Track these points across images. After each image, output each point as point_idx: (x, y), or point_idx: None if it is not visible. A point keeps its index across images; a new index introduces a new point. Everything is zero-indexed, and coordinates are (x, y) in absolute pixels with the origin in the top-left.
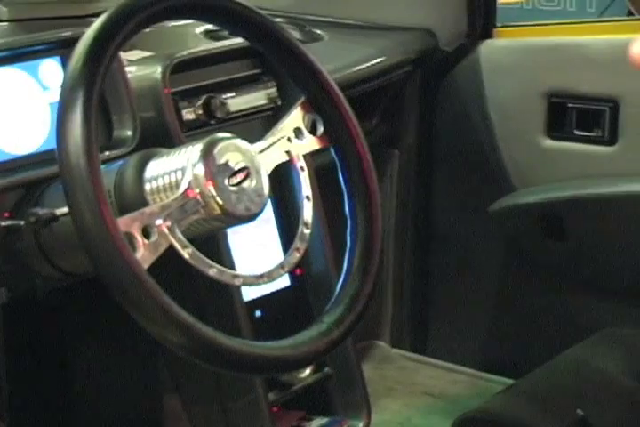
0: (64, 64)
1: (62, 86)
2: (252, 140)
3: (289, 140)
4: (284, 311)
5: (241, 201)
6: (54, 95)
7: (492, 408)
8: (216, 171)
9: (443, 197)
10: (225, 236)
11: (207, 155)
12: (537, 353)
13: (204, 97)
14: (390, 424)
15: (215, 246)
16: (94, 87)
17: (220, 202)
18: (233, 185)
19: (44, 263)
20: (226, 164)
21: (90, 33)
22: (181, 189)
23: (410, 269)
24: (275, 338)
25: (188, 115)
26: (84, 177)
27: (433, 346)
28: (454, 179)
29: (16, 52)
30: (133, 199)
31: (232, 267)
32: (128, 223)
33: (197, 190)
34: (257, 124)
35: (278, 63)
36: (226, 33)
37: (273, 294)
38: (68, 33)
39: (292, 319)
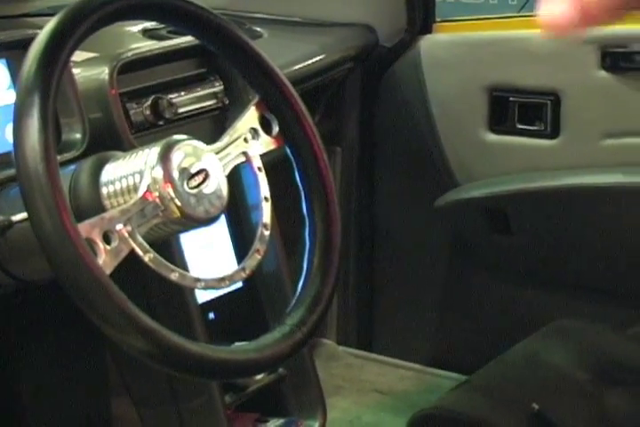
0: (10, 66)
1: (17, 90)
2: (201, 141)
3: (245, 140)
4: (237, 313)
5: (200, 204)
6: (1, 99)
7: (448, 405)
8: (174, 173)
9: (386, 193)
10: (177, 237)
11: (165, 157)
12: (485, 348)
13: (151, 98)
14: (341, 423)
15: (168, 249)
16: (50, 91)
17: (180, 205)
18: (192, 188)
19: None
20: (183, 166)
21: (43, 35)
22: (140, 193)
23: (355, 267)
24: (229, 340)
25: (137, 116)
26: (44, 183)
27: (380, 343)
28: (398, 175)
29: None
30: (90, 204)
31: (185, 269)
32: (88, 229)
33: (156, 194)
34: (205, 125)
35: (231, 62)
36: (164, 31)
37: (225, 295)
38: (14, 34)
39: (246, 321)
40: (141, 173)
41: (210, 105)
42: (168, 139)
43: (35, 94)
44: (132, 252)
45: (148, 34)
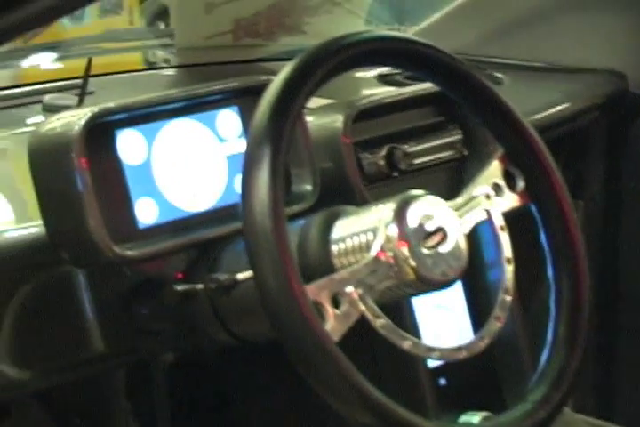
0: (242, 114)
1: (248, 140)
2: (436, 194)
3: (487, 196)
4: (469, 380)
5: (437, 265)
6: (231, 147)
7: None
8: (410, 232)
9: (633, 252)
10: (408, 300)
11: (401, 214)
12: None
13: (386, 147)
14: None
15: (398, 313)
16: (282, 143)
17: (415, 266)
18: (428, 248)
19: (217, 328)
20: (420, 224)
21: (276, 83)
22: (373, 252)
23: (596, 328)
24: (459, 408)
25: (370, 167)
26: (271, 240)
27: (622, 412)
28: None
29: (192, 103)
30: (318, 263)
31: (417, 335)
32: (316, 291)
33: (390, 253)
34: (441, 177)
35: (474, 112)
36: (400, 77)
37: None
38: (246, 81)
39: (478, 388)
40: (375, 231)
41: (447, 156)
42: (404, 194)
43: (266, 146)
44: (362, 317)
45: (383, 79)
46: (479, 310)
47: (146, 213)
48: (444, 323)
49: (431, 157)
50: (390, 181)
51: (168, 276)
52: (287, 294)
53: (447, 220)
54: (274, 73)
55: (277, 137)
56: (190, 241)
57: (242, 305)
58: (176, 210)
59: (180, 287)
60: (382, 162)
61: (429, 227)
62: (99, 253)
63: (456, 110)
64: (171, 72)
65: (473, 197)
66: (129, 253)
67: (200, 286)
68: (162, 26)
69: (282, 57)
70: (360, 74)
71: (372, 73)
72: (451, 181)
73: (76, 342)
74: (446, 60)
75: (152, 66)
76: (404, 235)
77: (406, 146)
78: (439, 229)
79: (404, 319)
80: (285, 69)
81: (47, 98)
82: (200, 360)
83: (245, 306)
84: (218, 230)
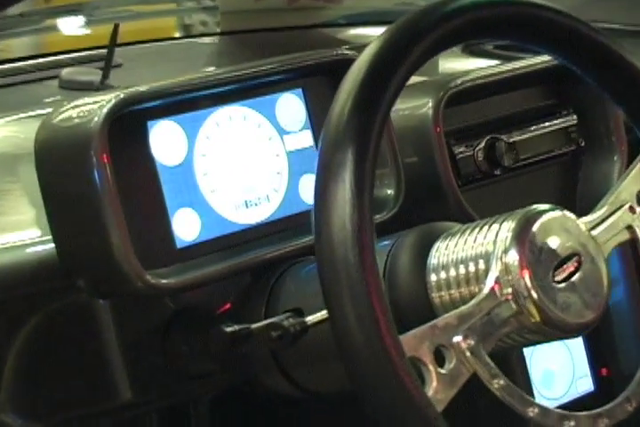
0: (307, 99)
1: (324, 139)
2: (545, 198)
3: (631, 210)
4: None
5: (571, 304)
6: (294, 142)
7: None
8: (535, 259)
9: None
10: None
11: (522, 236)
12: None
13: (485, 139)
14: None
15: (508, 365)
16: (370, 143)
17: (542, 305)
18: (559, 281)
19: (277, 378)
20: (549, 249)
21: (363, 64)
22: (486, 287)
23: None
24: None
25: (466, 163)
26: (355, 274)
27: None
28: None
29: (245, 85)
30: (413, 300)
31: (529, 390)
32: (414, 343)
33: (509, 289)
34: (552, 176)
35: (614, 96)
36: (490, 46)
37: (573, 401)
38: (311, 57)
39: None
40: (488, 258)
41: (559, 148)
42: (527, 209)
43: (350, 147)
44: (474, 376)
45: (468, 49)
46: (600, 342)
47: (186, 227)
48: (553, 359)
49: (541, 150)
50: (491, 181)
51: (213, 307)
52: (377, 348)
53: (582, 242)
54: (339, 43)
55: (365, 136)
56: (242, 264)
57: (312, 350)
58: (225, 223)
59: (228, 328)
60: (481, 157)
61: (560, 252)
62: (126, 282)
63: (570, 90)
64: (213, 40)
65: (613, 211)
66: (165, 281)
67: (256, 327)
68: None
69: (341, 22)
70: None
71: None
72: (563, 181)
73: (98, 388)
74: (583, 31)
75: (188, 31)
76: (528, 263)
77: (510, 136)
78: (573, 255)
79: (515, 375)
80: (374, 46)
81: (65, 72)
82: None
83: (316, 352)
84: (278, 249)
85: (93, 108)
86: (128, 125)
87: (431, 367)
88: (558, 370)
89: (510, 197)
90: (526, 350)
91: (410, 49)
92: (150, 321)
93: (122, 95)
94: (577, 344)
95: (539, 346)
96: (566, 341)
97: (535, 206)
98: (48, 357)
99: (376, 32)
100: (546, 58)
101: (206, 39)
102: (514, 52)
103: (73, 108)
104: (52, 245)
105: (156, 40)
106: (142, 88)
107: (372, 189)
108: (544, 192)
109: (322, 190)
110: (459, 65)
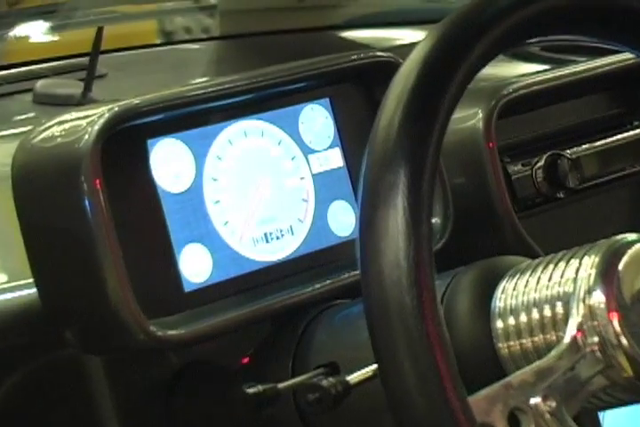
0: (335, 111)
1: (369, 157)
2: (618, 226)
3: None
4: None
5: None
6: (321, 161)
7: None
8: (627, 301)
9: None
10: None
11: (610, 273)
12: None
13: (545, 155)
14: None
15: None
16: (427, 162)
17: (637, 357)
18: None
19: None
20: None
21: (415, 64)
22: (568, 336)
23: None
24: None
25: (523, 185)
26: (414, 325)
27: None
28: None
29: (261, 95)
30: (477, 352)
31: None
32: (486, 407)
33: (594, 338)
34: (625, 198)
35: None
36: (535, 48)
37: None
38: (337, 61)
39: None
40: (567, 300)
41: (633, 164)
42: (612, 240)
43: (403, 168)
44: None
45: (511, 52)
46: None
47: (195, 267)
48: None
49: (611, 168)
50: (553, 206)
51: (229, 362)
52: (442, 414)
53: None
54: (356, 46)
55: (421, 152)
56: (263, 310)
57: (352, 418)
58: (240, 261)
59: (252, 389)
60: (541, 176)
61: None
62: (125, 334)
63: None
64: (213, 45)
65: None
66: (172, 332)
67: (285, 386)
68: None
69: (360, 23)
70: None
71: None
72: (635, 204)
73: None
74: None
75: (184, 35)
76: (617, 306)
77: (574, 152)
78: None
79: None
80: (425, 44)
81: (40, 85)
82: None
83: (358, 420)
84: (305, 292)
85: (82, 124)
86: (124, 145)
87: None
88: None
89: (576, 225)
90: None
91: (471, 45)
92: (152, 380)
93: (116, 109)
94: None
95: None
96: None
97: (622, 236)
98: (31, 423)
99: (402, 35)
100: (612, 59)
101: (205, 44)
102: (566, 54)
103: (57, 124)
104: (34, 289)
105: (146, 46)
106: (140, 100)
107: (430, 216)
108: (616, 218)
109: (368, 219)
110: (504, 71)
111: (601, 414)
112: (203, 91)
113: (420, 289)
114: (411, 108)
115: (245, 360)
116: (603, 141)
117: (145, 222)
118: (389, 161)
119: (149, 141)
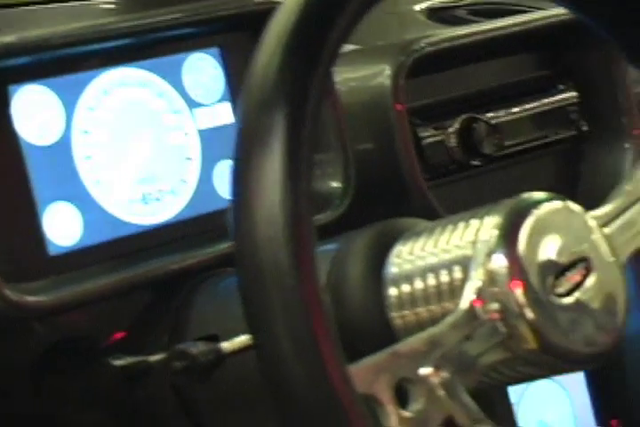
0: (225, 61)
1: (244, 99)
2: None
3: None
4: None
5: (578, 326)
6: (208, 117)
7: None
8: (529, 266)
9: None
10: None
11: (511, 235)
12: None
13: (459, 118)
14: None
15: (489, 406)
16: (308, 104)
17: (540, 328)
18: (561, 294)
19: (184, 425)
20: (547, 253)
21: (287, 11)
22: (464, 302)
23: None
24: None
25: (435, 150)
26: (289, 286)
27: None
28: None
29: (141, 41)
30: (367, 321)
31: None
32: (369, 376)
33: (494, 305)
34: (546, 168)
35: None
36: (462, 12)
37: None
38: (226, 7)
39: None
40: (466, 264)
41: (557, 132)
42: (517, 199)
43: (280, 110)
44: (449, 421)
45: (435, 15)
46: (608, 385)
47: (62, 228)
48: (549, 408)
49: (533, 135)
50: (467, 175)
51: (101, 336)
52: (318, 384)
53: (592, 243)
54: None
55: (301, 93)
56: (139, 277)
57: (230, 393)
58: (115, 224)
59: (120, 362)
60: (454, 142)
61: (562, 257)
62: None
63: (571, 58)
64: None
65: (628, 205)
66: (33, 298)
67: (156, 359)
68: None
69: None
70: (401, 7)
71: (419, 6)
72: (560, 175)
73: None
74: None
75: None
76: (521, 271)
77: (492, 116)
78: (579, 261)
79: (497, 412)
80: None
81: None
82: None
83: (237, 394)
84: (186, 258)
85: None
86: None
87: (391, 409)
88: (555, 422)
89: (492, 196)
90: (514, 397)
91: None
92: (14, 357)
93: None
94: (578, 389)
95: (530, 392)
96: (565, 385)
97: (528, 195)
98: None
99: None
100: (535, 16)
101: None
102: (495, 19)
103: None
104: None
105: (34, 3)
106: (3, 39)
107: (310, 165)
108: (536, 189)
109: (242, 166)
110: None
111: (520, 393)
112: (74, 32)
113: (298, 246)
114: (290, 44)
115: (120, 335)
116: (524, 106)
117: (5, 177)
118: (266, 102)
119: (11, 87)
